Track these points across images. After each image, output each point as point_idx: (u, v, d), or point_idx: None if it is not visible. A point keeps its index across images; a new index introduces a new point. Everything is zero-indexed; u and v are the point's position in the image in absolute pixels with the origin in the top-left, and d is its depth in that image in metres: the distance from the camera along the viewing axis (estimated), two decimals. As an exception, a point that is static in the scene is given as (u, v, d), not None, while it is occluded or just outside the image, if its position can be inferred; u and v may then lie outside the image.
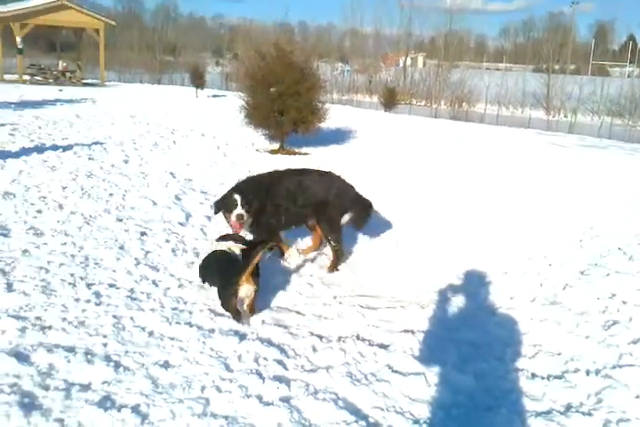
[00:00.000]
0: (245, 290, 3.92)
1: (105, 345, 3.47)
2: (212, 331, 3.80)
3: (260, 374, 3.29)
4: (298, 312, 4.28)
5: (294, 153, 11.47)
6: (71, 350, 3.36)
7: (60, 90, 24.12)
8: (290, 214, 5.14)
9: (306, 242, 5.76)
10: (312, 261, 5.45)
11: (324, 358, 3.57)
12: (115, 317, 3.86)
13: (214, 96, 27.55)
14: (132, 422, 2.77)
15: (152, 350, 3.49)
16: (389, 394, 3.21)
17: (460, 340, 3.95)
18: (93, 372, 3.15)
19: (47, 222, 5.61)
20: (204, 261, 4.51)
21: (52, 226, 5.52)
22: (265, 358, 3.49)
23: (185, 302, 4.25)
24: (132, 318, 3.87)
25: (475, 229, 6.65)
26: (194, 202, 6.79)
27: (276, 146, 11.75)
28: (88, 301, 4.04)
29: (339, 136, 14.08)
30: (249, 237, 4.88)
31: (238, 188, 4.85)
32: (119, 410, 2.83)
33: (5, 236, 5.15)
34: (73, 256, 4.86)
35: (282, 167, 5.64)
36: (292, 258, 5.38)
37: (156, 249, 5.25)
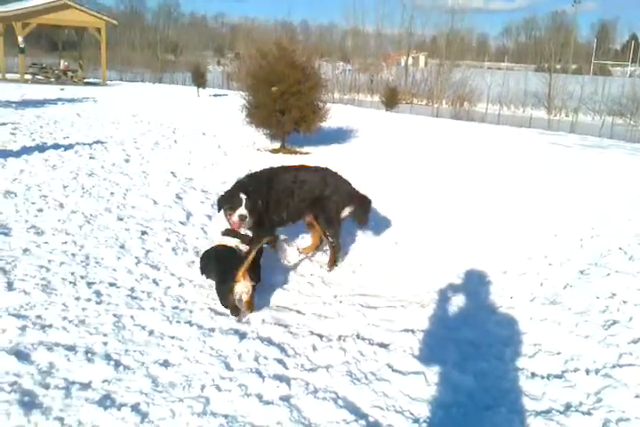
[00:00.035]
0: (242, 286, 3.93)
1: (105, 344, 3.47)
2: (213, 330, 3.81)
3: (259, 373, 3.30)
4: (298, 311, 4.29)
5: (295, 152, 11.47)
6: (71, 348, 3.36)
7: (62, 89, 24.13)
8: (289, 210, 5.16)
9: (306, 241, 5.75)
10: (312, 260, 5.45)
11: (324, 357, 3.57)
12: (115, 315, 3.86)
13: (215, 95, 27.56)
14: (132, 420, 2.78)
15: (152, 348, 3.49)
16: (389, 393, 3.21)
17: (460, 339, 3.95)
18: (93, 370, 3.16)
19: (48, 221, 5.62)
20: (204, 254, 4.52)
21: (52, 225, 5.53)
22: (265, 357, 3.50)
23: (185, 301, 4.26)
24: (132, 317, 3.87)
25: (475, 229, 6.65)
26: (195, 201, 6.79)
27: (277, 145, 11.75)
28: (88, 299, 4.05)
29: (340, 135, 14.07)
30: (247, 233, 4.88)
31: (243, 186, 4.82)
32: (119, 409, 2.84)
33: (6, 235, 5.16)
34: (73, 255, 4.87)
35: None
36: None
37: (156, 248, 5.26)
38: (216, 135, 12.73)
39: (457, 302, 4.60)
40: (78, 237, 5.31)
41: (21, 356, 3.21)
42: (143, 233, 5.58)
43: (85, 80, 32.10)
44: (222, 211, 4.80)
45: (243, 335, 3.76)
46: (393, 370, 3.46)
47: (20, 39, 28.92)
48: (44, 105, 16.73)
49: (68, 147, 9.52)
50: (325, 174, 5.38)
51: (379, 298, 4.66)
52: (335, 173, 5.43)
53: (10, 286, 4.08)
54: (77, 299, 4.03)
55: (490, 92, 37.18)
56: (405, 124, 19.77)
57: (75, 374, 3.11)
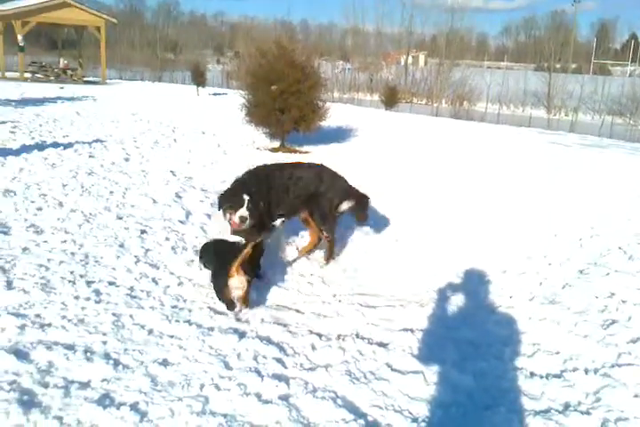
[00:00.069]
0: (236, 281, 3.94)
1: (104, 343, 3.47)
2: (212, 329, 3.80)
3: (259, 373, 3.30)
4: (297, 311, 4.29)
5: (295, 151, 11.47)
6: (70, 347, 3.36)
7: (61, 87, 24.11)
8: (285, 206, 5.16)
9: (305, 240, 5.75)
10: (311, 259, 5.45)
11: (324, 357, 3.57)
12: (114, 314, 3.86)
13: (215, 94, 27.55)
14: (131, 419, 2.77)
15: (151, 347, 3.49)
16: (388, 393, 3.21)
17: (460, 339, 3.95)
18: (93, 370, 3.16)
19: (47, 220, 5.61)
20: (204, 246, 4.53)
21: (52, 224, 5.52)
22: (264, 357, 3.49)
23: (184, 300, 4.25)
24: (131, 316, 3.87)
25: (474, 228, 6.65)
26: (194, 200, 6.79)
27: (276, 144, 11.75)
28: (88, 298, 4.05)
29: (339, 134, 14.06)
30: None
31: (246, 186, 4.80)
32: (118, 408, 2.84)
33: (5, 233, 5.16)
34: (73, 254, 4.87)
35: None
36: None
37: (155, 247, 5.25)
38: (215, 134, 12.74)
39: (456, 301, 4.60)
40: (77, 235, 5.30)
41: (20, 355, 3.20)
42: (142, 232, 5.58)
43: (85, 79, 32.05)
44: (221, 210, 4.78)
45: (242, 334, 3.76)
46: (392, 369, 3.46)
47: (19, 37, 28.89)
48: (43, 103, 16.72)
49: (68, 145, 9.51)
50: (320, 171, 5.41)
51: (378, 297, 4.66)
52: (330, 170, 5.47)
53: (9, 285, 4.08)
54: (77, 298, 4.03)
55: (489, 92, 37.17)
56: (405, 123, 19.77)
57: (74, 373, 3.11)
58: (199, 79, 26.45)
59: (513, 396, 3.28)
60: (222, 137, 12.34)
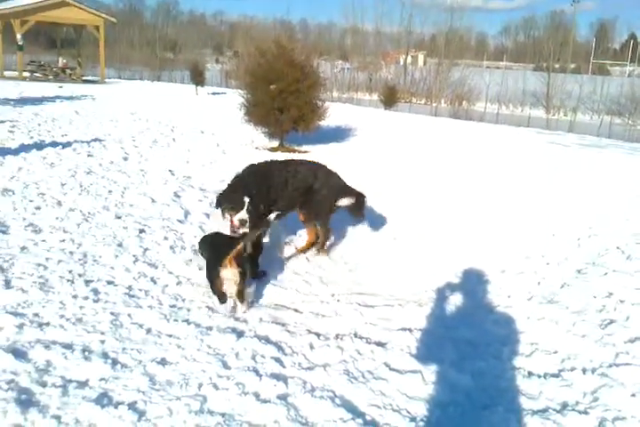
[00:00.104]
0: (228, 273, 3.95)
1: (102, 342, 3.47)
2: (210, 328, 3.81)
3: (257, 372, 3.30)
4: (295, 310, 4.29)
5: (294, 151, 11.46)
6: (69, 346, 3.36)
7: (60, 87, 24.08)
8: (284, 200, 5.17)
9: (303, 239, 5.75)
10: (310, 258, 5.45)
11: (322, 356, 3.57)
12: (112, 314, 3.86)
13: (214, 93, 27.52)
14: (129, 418, 2.78)
15: (149, 347, 3.49)
16: (386, 392, 3.22)
17: (458, 338, 3.95)
18: (91, 369, 3.16)
19: (46, 219, 5.61)
20: (203, 238, 4.57)
21: (50, 223, 5.52)
22: (262, 356, 3.50)
23: (183, 300, 4.25)
24: (129, 315, 3.87)
25: (473, 228, 6.65)
26: (193, 199, 6.79)
27: (275, 144, 11.75)
28: (86, 298, 4.05)
29: (338, 134, 14.06)
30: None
31: (246, 186, 4.78)
32: (116, 407, 2.84)
33: (4, 232, 5.16)
34: (71, 253, 4.87)
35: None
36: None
37: (154, 246, 5.25)
38: (214, 133, 12.73)
39: (455, 300, 4.61)
40: (76, 235, 5.30)
41: (18, 354, 3.20)
42: (141, 231, 5.58)
43: (84, 78, 32.01)
44: (221, 209, 4.78)
45: (240, 334, 3.76)
46: (390, 369, 3.46)
47: (18, 36, 28.85)
48: (42, 103, 16.71)
49: (66, 144, 9.51)
50: (315, 168, 5.46)
51: (376, 297, 4.66)
52: (324, 167, 5.52)
53: (7, 284, 4.08)
54: (75, 297, 4.03)
55: (488, 92, 37.13)
56: (404, 122, 19.76)
57: (72, 373, 3.11)
58: (198, 78, 26.42)
59: (511, 395, 3.29)
60: (221, 136, 12.34)
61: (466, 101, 37.55)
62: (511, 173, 10.31)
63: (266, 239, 5.21)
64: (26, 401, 2.81)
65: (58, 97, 18.88)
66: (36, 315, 3.70)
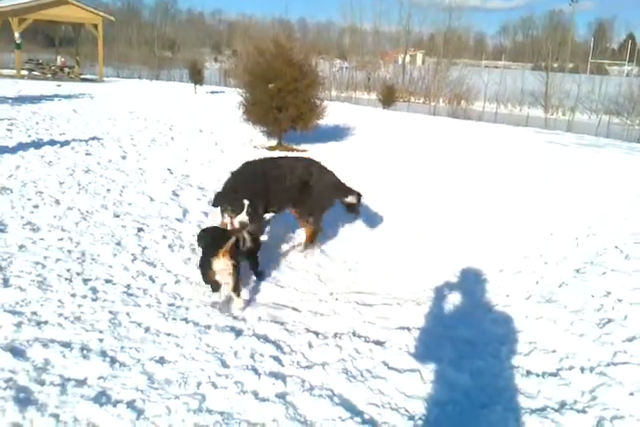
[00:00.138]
0: (221, 264, 3.97)
1: (101, 341, 3.47)
2: (209, 327, 3.80)
3: (255, 371, 3.30)
4: (294, 309, 4.29)
5: (292, 150, 11.45)
6: (67, 345, 3.36)
7: (58, 85, 24.02)
8: (281, 196, 5.17)
9: (301, 238, 5.75)
10: (308, 257, 5.45)
11: (320, 355, 3.58)
12: (111, 312, 3.86)
13: (213, 92, 27.50)
14: (128, 417, 2.77)
15: (148, 345, 3.49)
16: (385, 391, 3.22)
17: (456, 337, 3.96)
18: (89, 367, 3.16)
19: (44, 218, 5.60)
20: (202, 231, 4.58)
21: (48, 221, 5.51)
22: (261, 355, 3.50)
23: (181, 298, 4.25)
24: (128, 314, 3.87)
25: (471, 227, 6.66)
26: (191, 198, 6.79)
27: (273, 142, 11.74)
28: (84, 296, 4.05)
29: (337, 133, 14.05)
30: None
31: (245, 186, 4.75)
32: (115, 405, 2.84)
33: (2, 231, 5.15)
34: (69, 252, 4.86)
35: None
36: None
37: (152, 245, 5.25)
38: (213, 132, 12.72)
39: (453, 299, 4.61)
40: (74, 233, 5.30)
41: (17, 352, 3.20)
42: (139, 230, 5.57)
43: (82, 76, 31.98)
44: (220, 209, 4.76)
45: (239, 333, 3.76)
46: (389, 368, 3.46)
47: (16, 35, 28.76)
48: (40, 101, 16.66)
49: (65, 143, 9.49)
50: (309, 165, 5.48)
51: (375, 295, 4.67)
52: (319, 163, 5.54)
53: (5, 283, 4.07)
54: (73, 295, 4.03)
55: (487, 91, 37.12)
56: (402, 122, 19.76)
57: (70, 371, 3.11)
58: (197, 77, 26.38)
59: (509, 394, 3.29)
60: (220, 135, 12.33)
61: (464, 101, 37.53)
62: (509, 172, 10.31)
63: (264, 237, 5.21)
64: (24, 400, 2.81)
65: (56, 95, 18.83)
66: (35, 313, 3.70)
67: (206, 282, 4.16)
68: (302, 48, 12.08)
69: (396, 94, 29.29)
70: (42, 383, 2.97)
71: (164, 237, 5.47)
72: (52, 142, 9.45)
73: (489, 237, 6.31)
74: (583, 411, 3.10)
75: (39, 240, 5.02)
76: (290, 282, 4.81)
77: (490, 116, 28.72)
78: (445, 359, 3.58)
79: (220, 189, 4.99)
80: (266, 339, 3.71)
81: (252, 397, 3.04)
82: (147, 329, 3.70)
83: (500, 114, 31.08)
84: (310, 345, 3.70)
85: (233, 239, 4.05)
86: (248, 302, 4.28)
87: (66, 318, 3.70)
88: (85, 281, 4.29)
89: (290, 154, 10.67)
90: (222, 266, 3.98)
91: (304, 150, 11.50)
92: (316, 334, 3.86)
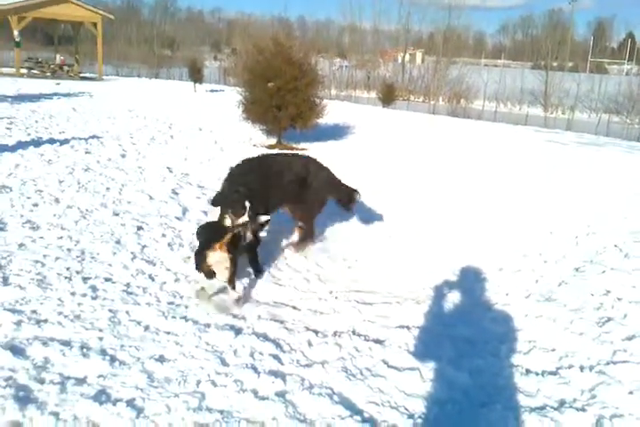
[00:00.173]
0: (217, 256, 4.00)
1: (100, 339, 3.47)
2: (208, 325, 3.80)
3: (255, 369, 3.30)
4: (294, 307, 4.29)
5: (292, 148, 11.45)
6: (67, 343, 3.36)
7: (58, 83, 24.02)
8: (276, 196, 5.16)
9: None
10: (307, 256, 5.45)
11: (320, 353, 3.57)
12: (110, 311, 3.85)
13: (212, 91, 27.50)
14: (128, 415, 2.77)
15: (148, 344, 3.49)
16: (384, 389, 3.22)
17: (456, 336, 3.96)
18: (89, 366, 3.16)
19: (43, 216, 5.60)
20: (201, 226, 4.62)
21: (48, 220, 5.51)
22: (260, 353, 3.50)
23: (181, 297, 4.25)
24: (127, 313, 3.87)
25: (470, 226, 6.66)
26: (190, 196, 6.78)
27: (273, 141, 11.74)
28: (84, 295, 4.04)
29: (336, 132, 14.06)
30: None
31: (246, 186, 4.71)
32: (114, 404, 2.84)
33: (2, 229, 5.14)
34: (69, 250, 4.85)
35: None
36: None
37: (152, 243, 5.25)
38: (212, 131, 12.71)
39: (453, 298, 4.61)
40: (74, 232, 5.29)
41: (16, 351, 3.20)
42: (139, 228, 5.57)
43: (81, 75, 31.98)
44: (220, 210, 4.73)
45: (238, 331, 3.76)
46: (388, 366, 3.46)
47: (15, 33, 28.74)
48: (39, 99, 16.65)
49: (64, 141, 9.49)
50: (306, 162, 5.48)
51: (374, 294, 4.67)
52: (316, 161, 5.54)
53: (5, 281, 4.07)
54: (73, 294, 4.03)
55: (486, 90, 37.12)
56: (402, 120, 19.77)
57: (70, 369, 3.11)
58: (196, 76, 26.38)
59: (509, 393, 3.29)
60: (219, 134, 12.32)
61: (464, 99, 37.50)
62: (509, 171, 10.32)
63: (263, 233, 5.19)
64: (24, 398, 2.81)
65: (55, 94, 18.82)
66: (34, 312, 3.70)
67: (199, 271, 4.17)
68: (302, 47, 12.08)
69: (396, 93, 29.29)
70: (41, 382, 2.96)
71: (164, 235, 5.47)
72: (52, 141, 9.45)
73: (488, 236, 6.31)
74: (582, 409, 3.10)
75: (39, 239, 5.02)
76: (289, 281, 4.82)
77: (489, 115, 28.74)
78: (445, 358, 3.58)
79: (219, 189, 4.97)
80: (265, 337, 3.71)
81: (251, 395, 3.04)
82: (146, 328, 3.70)
83: (500, 113, 31.10)
84: (310, 344, 3.70)
85: (231, 234, 4.07)
86: (245, 298, 4.28)
87: (65, 316, 3.69)
88: (85, 280, 4.29)
89: (289, 152, 10.68)
90: (217, 258, 4.00)
91: (303, 149, 11.48)
92: (316, 332, 3.86)
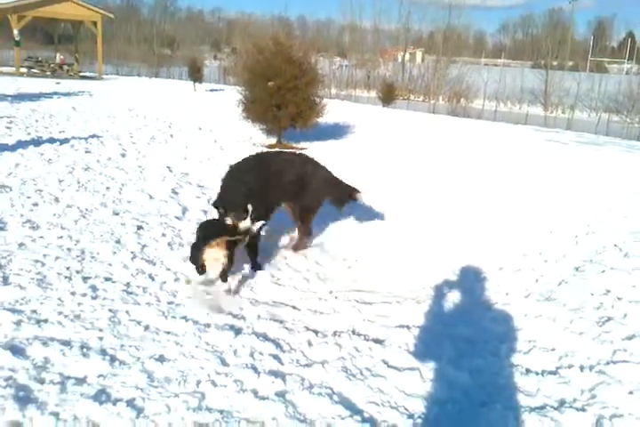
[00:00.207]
0: (213, 252, 4.05)
1: (100, 339, 3.47)
2: (208, 325, 3.80)
3: (255, 369, 3.30)
4: (293, 307, 4.29)
5: (292, 148, 11.44)
6: (67, 343, 3.36)
7: (58, 83, 24.01)
8: (275, 194, 5.16)
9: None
10: (307, 255, 5.45)
11: (320, 353, 3.57)
12: (110, 310, 3.85)
13: (212, 90, 27.49)
14: (128, 415, 2.77)
15: (148, 344, 3.49)
16: (384, 389, 3.22)
17: (456, 335, 3.95)
18: (89, 365, 3.15)
19: (43, 216, 5.60)
20: (201, 224, 4.67)
21: (48, 219, 5.51)
22: (260, 353, 3.49)
23: (181, 297, 4.25)
24: (127, 312, 3.86)
25: (470, 225, 6.66)
26: (190, 196, 6.78)
27: (273, 140, 11.73)
28: (84, 294, 4.04)
29: (336, 131, 14.06)
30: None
31: (247, 187, 4.72)
32: (114, 404, 2.83)
33: (1, 229, 5.14)
34: (69, 250, 4.85)
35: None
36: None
37: (152, 243, 5.25)
38: (212, 130, 12.71)
39: (453, 298, 4.61)
40: (74, 231, 5.29)
41: (16, 351, 3.20)
42: (139, 228, 5.57)
43: (81, 74, 31.97)
44: (220, 211, 4.72)
45: (238, 331, 3.76)
46: (388, 366, 3.46)
47: (15, 32, 28.73)
48: (39, 99, 16.65)
49: (64, 141, 9.49)
50: (304, 160, 5.49)
51: (374, 294, 4.66)
52: (313, 159, 5.54)
53: (5, 281, 4.07)
54: (73, 294, 4.02)
55: (486, 89, 37.14)
56: (402, 120, 19.76)
57: (70, 369, 3.11)
58: (196, 75, 26.37)
59: (509, 393, 3.29)
60: (219, 133, 12.32)
61: (464, 99, 37.53)
62: (509, 170, 10.32)
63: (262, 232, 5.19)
64: (24, 398, 2.81)
65: (55, 93, 18.82)
66: (34, 311, 3.70)
67: (193, 263, 4.20)
68: (302, 46, 12.08)
69: (396, 92, 29.28)
70: (41, 382, 2.96)
71: (164, 235, 5.47)
72: (52, 140, 9.45)
73: (488, 235, 6.31)
74: (582, 409, 3.10)
75: (39, 238, 5.02)
76: (289, 280, 4.81)
77: (489, 114, 28.74)
78: (445, 358, 3.58)
79: (219, 189, 4.96)
80: (265, 337, 3.71)
81: (251, 395, 3.03)
82: (146, 327, 3.69)
83: (500, 112, 31.12)
84: (310, 343, 3.69)
85: (229, 229, 4.16)
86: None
87: (65, 316, 3.69)
88: (85, 279, 4.29)
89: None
90: (213, 254, 4.04)
91: (303, 148, 11.48)
92: (316, 332, 3.85)
